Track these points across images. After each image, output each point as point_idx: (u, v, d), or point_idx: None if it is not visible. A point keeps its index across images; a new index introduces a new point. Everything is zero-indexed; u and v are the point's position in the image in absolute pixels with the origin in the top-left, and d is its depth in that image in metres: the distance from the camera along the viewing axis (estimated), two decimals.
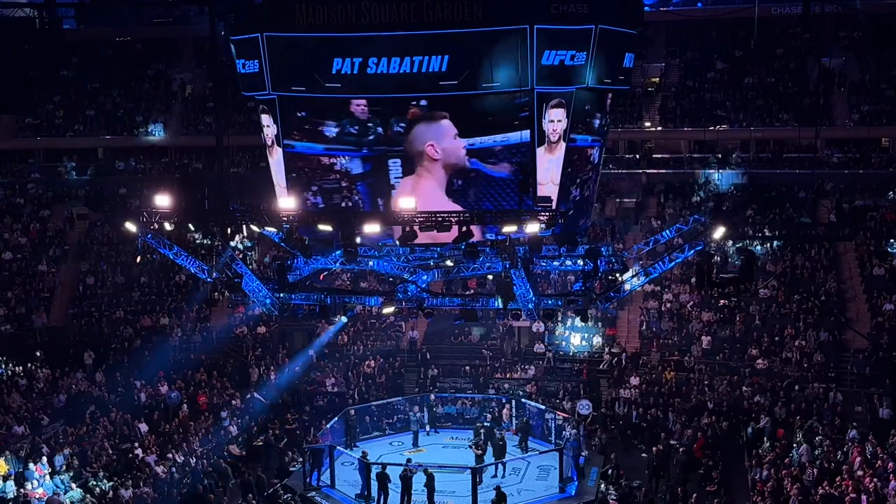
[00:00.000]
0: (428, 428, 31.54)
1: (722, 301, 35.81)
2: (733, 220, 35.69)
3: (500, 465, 27.79)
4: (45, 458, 27.00)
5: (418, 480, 25.52)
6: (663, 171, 43.62)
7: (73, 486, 26.05)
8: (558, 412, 30.99)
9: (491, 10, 20.80)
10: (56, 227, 43.96)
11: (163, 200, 23.71)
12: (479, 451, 27.69)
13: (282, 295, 25.38)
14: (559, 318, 34.11)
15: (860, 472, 24.48)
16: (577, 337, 35.93)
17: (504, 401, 32.33)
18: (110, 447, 28.78)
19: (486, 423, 30.08)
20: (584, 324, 33.78)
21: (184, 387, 33.54)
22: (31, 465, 26.42)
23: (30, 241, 42.80)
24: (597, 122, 23.88)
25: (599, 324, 36.29)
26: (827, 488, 23.94)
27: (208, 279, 24.99)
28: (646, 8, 35.02)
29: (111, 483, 26.33)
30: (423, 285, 25.03)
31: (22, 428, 29.66)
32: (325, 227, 22.82)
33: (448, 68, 21.07)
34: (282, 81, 22.44)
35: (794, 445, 27.46)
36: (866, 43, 44.28)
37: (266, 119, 24.08)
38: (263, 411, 32.70)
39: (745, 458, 28.51)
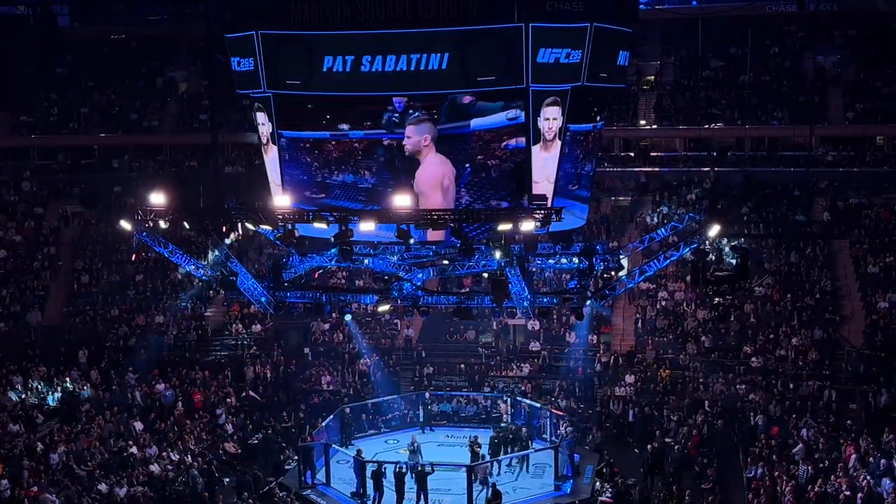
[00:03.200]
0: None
1: (717, 299, 35.82)
2: (728, 218, 35.71)
3: (495, 463, 27.82)
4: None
5: (411, 478, 25.57)
6: (658, 169, 43.66)
7: (68, 484, 26.02)
8: (553, 409, 31.01)
9: (486, 8, 20.81)
10: (51, 226, 43.88)
11: (158, 198, 23.67)
12: (478, 449, 27.73)
13: (277, 293, 25.38)
14: (554, 317, 34.33)
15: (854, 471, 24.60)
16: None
17: (503, 398, 32.36)
18: (105, 446, 28.75)
19: (502, 425, 30.21)
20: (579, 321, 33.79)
21: (179, 385, 33.53)
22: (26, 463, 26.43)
23: (24, 240, 42.71)
24: None
25: (595, 322, 36.33)
26: (822, 486, 24.01)
27: (203, 277, 24.99)
28: (641, 6, 35.00)
29: (106, 481, 26.29)
30: (419, 283, 25.03)
31: (17, 426, 29.62)
32: (319, 225, 22.79)
33: (444, 66, 21.06)
34: (277, 79, 22.43)
35: (790, 443, 27.54)
36: (861, 41, 44.35)
37: (261, 117, 24.05)
38: (259, 409, 32.74)
39: (739, 455, 28.56)
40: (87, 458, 27.74)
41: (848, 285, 36.16)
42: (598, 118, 24.72)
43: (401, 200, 21.81)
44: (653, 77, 46.16)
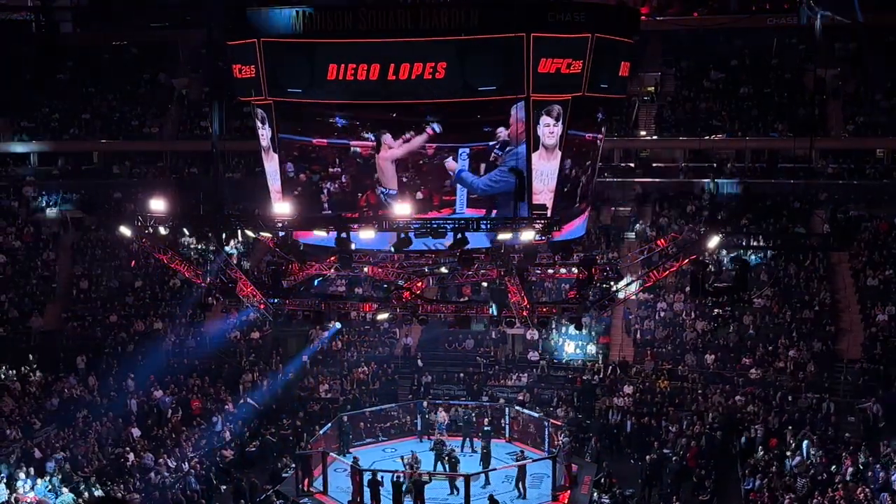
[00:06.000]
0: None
1: (716, 310, 35.87)
2: (728, 230, 35.74)
3: (484, 475, 27.63)
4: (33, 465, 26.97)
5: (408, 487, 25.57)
6: (658, 179, 43.68)
7: (64, 490, 25.97)
8: (552, 420, 30.96)
9: (488, 18, 20.84)
10: (50, 231, 43.86)
11: (158, 205, 23.70)
12: (455, 461, 27.66)
13: (276, 300, 25.36)
14: (553, 327, 34.45)
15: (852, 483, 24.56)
16: (571, 345, 36.01)
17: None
18: (102, 452, 28.71)
19: (485, 428, 30.17)
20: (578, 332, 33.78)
21: (176, 391, 33.49)
22: (23, 469, 26.37)
23: (24, 245, 42.69)
24: None
25: (593, 332, 36.31)
26: (820, 498, 23.98)
27: (202, 284, 24.99)
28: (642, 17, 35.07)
29: (102, 488, 26.24)
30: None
31: (14, 432, 29.58)
32: (319, 233, 22.80)
33: (445, 75, 21.08)
34: (278, 87, 22.44)
35: (788, 455, 27.48)
36: (861, 54, 44.40)
37: (261, 124, 24.05)
38: (256, 416, 32.71)
39: (737, 467, 28.52)
40: (84, 465, 27.70)
41: (847, 297, 36.14)
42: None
43: (400, 209, 21.83)
44: (653, 88, 46.18)
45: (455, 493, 26.69)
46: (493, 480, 27.57)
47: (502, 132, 21.95)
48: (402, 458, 28.57)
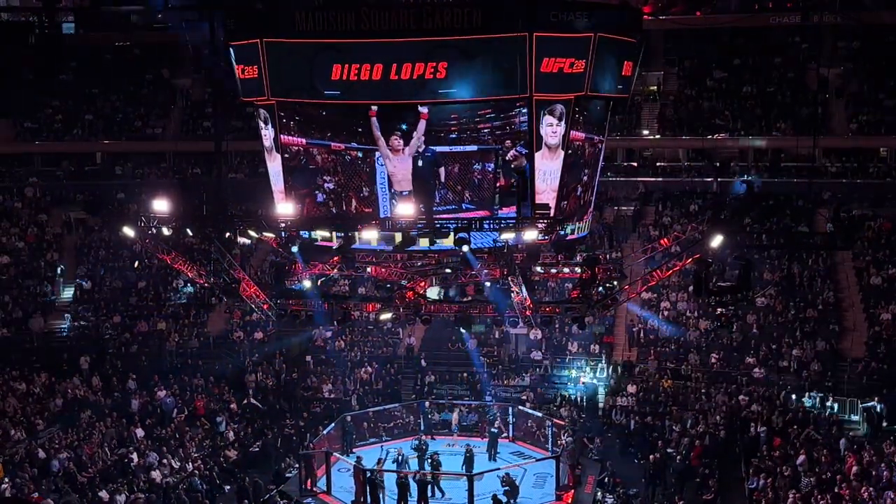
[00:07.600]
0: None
1: (720, 309, 35.75)
2: (731, 229, 35.63)
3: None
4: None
5: (414, 487, 25.50)
6: (661, 179, 43.66)
7: (69, 490, 26.00)
8: (555, 419, 30.94)
9: (490, 18, 20.83)
10: (54, 232, 43.93)
11: (161, 205, 23.73)
12: (437, 462, 27.56)
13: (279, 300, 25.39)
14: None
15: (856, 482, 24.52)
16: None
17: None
18: (106, 452, 28.73)
19: (492, 430, 30.17)
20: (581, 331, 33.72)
21: (179, 392, 33.52)
22: (27, 470, 26.41)
23: (27, 246, 42.74)
24: None
25: (596, 332, 36.29)
26: (824, 498, 23.94)
27: (206, 284, 25.02)
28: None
29: (106, 488, 26.26)
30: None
31: (18, 432, 29.60)
32: (322, 233, 22.82)
33: (446, 75, 21.07)
34: (280, 87, 22.46)
35: (792, 454, 27.45)
36: (864, 53, 44.35)
37: (264, 125, 24.08)
38: (260, 416, 32.74)
39: (741, 467, 28.49)
40: (88, 465, 27.72)
41: (850, 297, 36.10)
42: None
43: (403, 209, 21.84)
44: (656, 87, 46.17)
45: (440, 495, 26.59)
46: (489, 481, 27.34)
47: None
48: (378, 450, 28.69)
